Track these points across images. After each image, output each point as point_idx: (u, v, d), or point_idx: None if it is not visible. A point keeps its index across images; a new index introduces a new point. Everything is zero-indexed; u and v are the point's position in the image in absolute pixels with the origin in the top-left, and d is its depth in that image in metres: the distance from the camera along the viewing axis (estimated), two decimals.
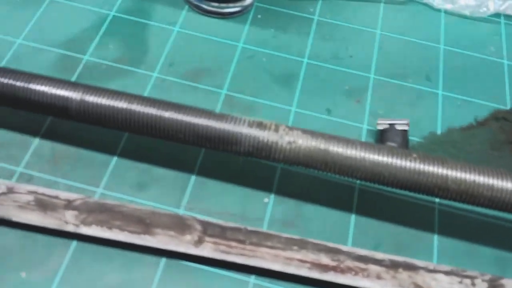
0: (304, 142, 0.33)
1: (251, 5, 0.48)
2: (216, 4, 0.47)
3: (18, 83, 0.35)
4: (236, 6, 0.47)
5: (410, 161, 0.33)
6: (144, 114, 0.34)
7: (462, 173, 0.33)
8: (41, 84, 0.35)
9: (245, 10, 0.48)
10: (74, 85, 0.35)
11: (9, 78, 0.35)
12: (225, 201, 0.36)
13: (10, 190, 0.34)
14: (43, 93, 0.34)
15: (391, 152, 0.33)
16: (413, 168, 0.33)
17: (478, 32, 0.50)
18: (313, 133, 0.34)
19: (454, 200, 0.33)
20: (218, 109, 0.41)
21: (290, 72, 0.44)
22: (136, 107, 0.34)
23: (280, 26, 0.48)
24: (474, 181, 0.32)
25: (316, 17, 0.49)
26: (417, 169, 0.33)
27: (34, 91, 0.34)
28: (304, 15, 0.49)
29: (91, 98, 0.34)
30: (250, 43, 0.46)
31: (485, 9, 0.50)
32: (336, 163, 0.33)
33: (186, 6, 0.48)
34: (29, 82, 0.35)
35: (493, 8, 0.50)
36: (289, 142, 0.33)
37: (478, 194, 0.33)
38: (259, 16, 0.48)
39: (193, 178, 0.37)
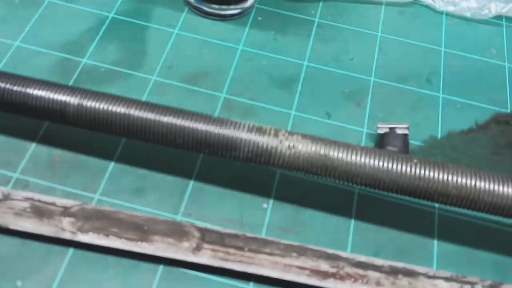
0: (304, 148, 0.33)
1: (251, 7, 0.48)
2: (216, 6, 0.46)
3: (16, 88, 0.34)
4: (236, 8, 0.47)
5: (411, 166, 0.33)
6: (143, 119, 0.34)
7: (463, 179, 0.32)
8: (39, 89, 0.34)
9: (245, 12, 0.48)
10: (71, 90, 0.34)
11: (6, 83, 0.34)
12: (223, 207, 0.36)
13: (6, 197, 0.34)
14: (40, 98, 0.34)
15: (392, 157, 0.33)
16: (414, 174, 0.33)
17: (480, 34, 0.49)
18: (313, 138, 0.34)
19: (455, 205, 0.33)
20: (217, 112, 0.41)
21: (290, 75, 0.44)
22: (135, 112, 0.34)
23: (280, 28, 0.47)
24: (475, 187, 0.32)
25: (316, 19, 0.48)
26: (417, 174, 0.33)
27: (32, 95, 0.34)
28: (305, 17, 0.48)
29: (89, 103, 0.34)
30: (250, 45, 0.46)
31: (486, 11, 0.50)
32: (337, 168, 0.33)
33: (186, 8, 0.47)
34: (27, 87, 0.34)
35: (495, 10, 0.50)
36: (289, 148, 0.33)
37: (479, 200, 0.32)
38: (259, 18, 0.48)
39: (191, 184, 0.37)
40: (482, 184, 0.32)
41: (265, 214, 0.36)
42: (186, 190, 0.36)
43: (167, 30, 0.46)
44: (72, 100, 0.34)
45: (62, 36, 0.44)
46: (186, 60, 0.44)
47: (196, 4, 0.47)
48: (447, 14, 0.50)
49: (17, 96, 0.34)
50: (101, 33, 0.44)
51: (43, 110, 0.34)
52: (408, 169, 0.33)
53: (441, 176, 0.32)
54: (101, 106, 0.34)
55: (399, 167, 0.33)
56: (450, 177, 0.32)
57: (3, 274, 0.32)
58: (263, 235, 0.35)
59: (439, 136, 0.41)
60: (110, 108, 0.34)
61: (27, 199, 0.34)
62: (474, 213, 0.36)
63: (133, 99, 0.35)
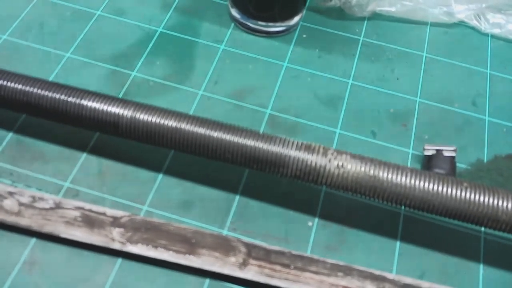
0: (353, 168, 0.33)
1: (296, 24, 0.48)
2: (262, 23, 0.47)
3: (70, 99, 0.35)
4: (282, 25, 0.47)
5: (461, 190, 0.32)
6: (193, 133, 0.34)
7: None
8: (93, 101, 0.35)
9: (290, 29, 0.48)
10: (125, 102, 0.35)
11: (62, 94, 0.35)
12: (268, 223, 0.36)
13: (58, 206, 0.34)
14: (95, 110, 0.35)
15: (442, 180, 0.33)
16: (464, 198, 0.32)
17: None
18: (362, 158, 0.34)
19: (504, 231, 0.33)
20: (262, 128, 0.41)
21: (334, 93, 0.44)
22: (186, 126, 0.34)
23: (325, 46, 0.47)
24: None
25: (361, 38, 0.48)
26: (467, 198, 0.32)
27: (86, 107, 0.35)
28: (350, 35, 0.49)
29: (142, 116, 0.35)
30: (295, 62, 0.46)
31: None
32: (385, 190, 0.33)
33: (232, 24, 0.48)
34: (82, 98, 0.35)
35: None
36: (338, 167, 0.33)
37: None
38: (304, 36, 0.48)
39: (237, 198, 0.37)
40: None
41: (310, 232, 0.36)
42: (232, 204, 0.37)
43: (213, 45, 0.46)
44: (126, 112, 0.35)
45: (111, 49, 0.45)
46: (232, 76, 0.44)
47: (242, 21, 0.47)
48: (493, 36, 0.50)
49: (72, 107, 0.35)
50: (149, 47, 0.45)
51: (97, 122, 0.35)
52: (458, 192, 0.32)
53: (491, 201, 0.32)
54: (153, 119, 0.35)
55: (449, 190, 0.33)
56: (500, 202, 0.32)
57: (54, 281, 0.32)
58: (308, 253, 0.35)
59: (485, 159, 0.41)
60: (162, 121, 0.34)
61: (78, 208, 0.34)
62: None
63: (184, 113, 0.35)
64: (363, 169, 0.33)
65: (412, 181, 0.33)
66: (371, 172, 0.33)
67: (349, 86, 0.45)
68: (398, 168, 0.33)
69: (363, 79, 0.45)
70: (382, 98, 0.44)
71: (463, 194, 0.32)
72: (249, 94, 0.43)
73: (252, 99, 0.43)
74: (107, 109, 0.35)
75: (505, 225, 0.32)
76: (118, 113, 0.35)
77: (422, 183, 0.33)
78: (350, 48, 0.48)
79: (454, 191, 0.32)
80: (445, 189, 0.33)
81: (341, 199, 0.38)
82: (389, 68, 0.46)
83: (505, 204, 0.32)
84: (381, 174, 0.33)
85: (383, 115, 0.43)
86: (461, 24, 0.50)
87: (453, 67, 0.47)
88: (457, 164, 0.40)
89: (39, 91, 0.35)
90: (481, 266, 0.36)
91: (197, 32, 0.47)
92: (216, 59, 0.45)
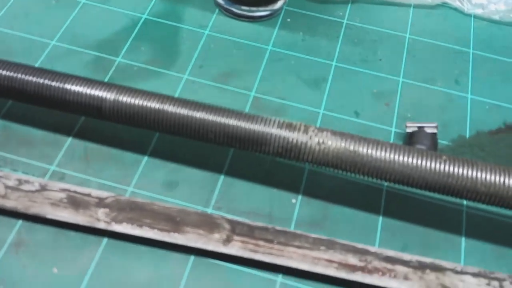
0: (333, 144, 0.34)
1: (280, 8, 0.49)
2: (246, 8, 0.47)
3: (54, 83, 0.35)
4: (266, 9, 0.48)
5: (440, 163, 0.33)
6: (176, 114, 0.35)
7: (492, 176, 0.32)
8: (76, 84, 0.35)
9: (274, 14, 0.48)
10: (108, 86, 0.36)
11: (45, 79, 0.36)
12: (253, 202, 0.37)
13: (44, 188, 0.35)
14: (78, 93, 0.35)
15: (421, 154, 0.33)
16: (443, 171, 0.33)
17: (508, 37, 0.49)
18: (342, 135, 0.34)
19: (484, 202, 0.33)
20: (246, 110, 0.41)
21: (318, 75, 0.45)
22: (168, 108, 0.35)
23: (309, 29, 0.48)
24: (503, 184, 0.32)
25: (345, 21, 0.49)
26: (446, 171, 0.33)
27: (70, 91, 0.35)
28: (333, 18, 0.49)
29: (125, 98, 0.35)
30: (279, 46, 0.46)
31: None
32: (366, 165, 0.33)
33: (217, 10, 0.48)
34: (65, 82, 0.35)
35: None
36: (319, 143, 0.34)
37: (508, 197, 0.32)
38: (288, 20, 0.48)
39: (221, 178, 0.38)
40: (511, 181, 0.32)
41: (294, 209, 0.37)
42: (217, 184, 0.37)
43: (198, 31, 0.47)
44: (109, 95, 0.35)
45: (96, 36, 0.45)
46: (216, 60, 0.45)
47: (226, 6, 0.48)
48: (475, 17, 0.51)
49: (55, 91, 0.36)
50: (134, 33, 0.46)
51: (81, 105, 0.36)
52: (437, 166, 0.33)
53: (470, 173, 0.33)
54: (136, 102, 0.35)
55: (428, 163, 0.33)
56: (479, 174, 0.33)
57: (40, 261, 0.33)
58: (291, 229, 0.35)
59: (467, 136, 0.41)
60: (144, 103, 0.35)
61: (63, 190, 0.35)
62: (502, 210, 0.37)
63: (167, 95, 0.36)
64: (343, 144, 0.34)
65: (392, 155, 0.33)
66: (351, 147, 0.34)
67: (332, 68, 0.45)
68: (378, 143, 0.34)
69: (346, 61, 0.46)
70: (366, 79, 0.45)
71: (442, 167, 0.33)
72: (234, 77, 0.44)
73: (236, 83, 0.43)
74: (90, 93, 0.35)
75: (484, 197, 0.33)
76: (101, 96, 0.35)
77: (401, 157, 0.33)
78: (334, 31, 0.48)
79: (433, 164, 0.33)
80: (424, 162, 0.33)
81: (324, 177, 0.38)
82: (372, 49, 0.47)
83: (483, 175, 0.33)
84: (361, 149, 0.33)
85: (366, 96, 0.43)
86: (444, 5, 0.51)
87: (436, 48, 0.48)
88: (440, 141, 0.40)
89: (23, 76, 0.36)
90: (463, 238, 0.36)
91: (182, 18, 0.48)
92: (201, 44, 0.46)
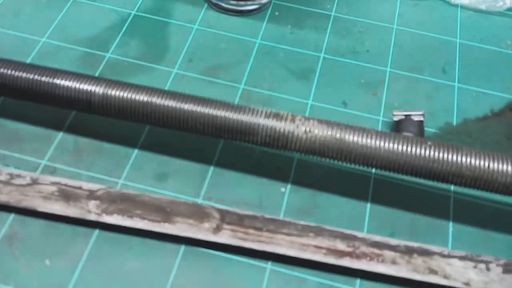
0: (320, 132, 0.34)
1: (268, 2, 0.49)
2: (234, 2, 0.48)
3: (44, 79, 0.36)
4: (254, 3, 0.48)
5: (425, 149, 0.33)
6: (165, 106, 0.35)
7: (476, 160, 0.33)
8: (66, 79, 0.36)
9: (263, 8, 0.49)
10: (97, 80, 0.36)
11: (35, 74, 0.36)
12: (242, 191, 0.37)
13: (35, 181, 0.35)
14: (67, 88, 0.36)
15: (406, 140, 0.34)
16: (428, 156, 0.33)
17: (494, 26, 0.50)
18: (328, 123, 0.35)
19: (469, 186, 0.34)
20: (235, 102, 0.42)
21: (307, 66, 0.45)
22: (157, 100, 0.35)
23: (297, 22, 0.48)
24: (488, 168, 0.33)
25: (333, 13, 0.49)
26: (432, 156, 0.33)
27: (59, 86, 0.36)
28: (321, 11, 0.49)
29: (114, 92, 0.35)
30: (267, 39, 0.47)
31: (501, 3, 0.50)
32: (352, 152, 0.34)
33: (205, 4, 0.49)
34: (54, 77, 0.36)
35: (510, 2, 0.50)
36: (305, 132, 0.34)
37: (492, 180, 0.33)
38: (276, 13, 0.49)
39: (211, 169, 0.38)
40: (495, 165, 0.33)
41: (283, 198, 0.37)
42: (207, 175, 0.38)
43: (187, 25, 0.47)
44: (98, 89, 0.36)
45: (86, 33, 0.46)
46: (205, 54, 0.45)
47: (215, 1, 0.48)
48: (462, 7, 0.51)
49: (45, 86, 0.36)
50: (124, 29, 0.46)
51: (70, 100, 0.36)
52: (423, 151, 0.33)
53: (455, 157, 0.33)
54: (125, 95, 0.35)
55: (414, 149, 0.33)
56: (464, 159, 0.33)
57: (32, 254, 0.33)
58: (281, 217, 0.36)
59: (454, 123, 0.42)
60: (133, 96, 0.35)
61: (54, 183, 0.35)
62: (488, 195, 0.37)
63: (155, 88, 0.36)
64: (329, 132, 0.34)
65: (377, 142, 0.34)
66: (338, 135, 0.34)
67: (320, 60, 0.46)
68: (363, 130, 0.34)
69: (334, 53, 0.46)
70: (353, 69, 0.45)
71: (427, 152, 0.33)
72: (223, 70, 0.44)
73: (225, 76, 0.44)
74: (79, 87, 0.36)
75: (469, 181, 0.33)
76: (91, 90, 0.36)
77: (387, 143, 0.34)
78: (321, 23, 0.49)
79: (418, 150, 0.33)
80: (409, 148, 0.33)
81: (313, 166, 0.39)
82: (360, 41, 0.47)
83: (468, 160, 0.33)
84: (347, 136, 0.34)
85: (354, 86, 0.44)
86: None
87: (423, 38, 0.48)
88: (427, 129, 0.41)
89: (13, 72, 0.36)
90: (451, 223, 0.37)
91: (171, 13, 0.48)
92: (190, 38, 0.46)
